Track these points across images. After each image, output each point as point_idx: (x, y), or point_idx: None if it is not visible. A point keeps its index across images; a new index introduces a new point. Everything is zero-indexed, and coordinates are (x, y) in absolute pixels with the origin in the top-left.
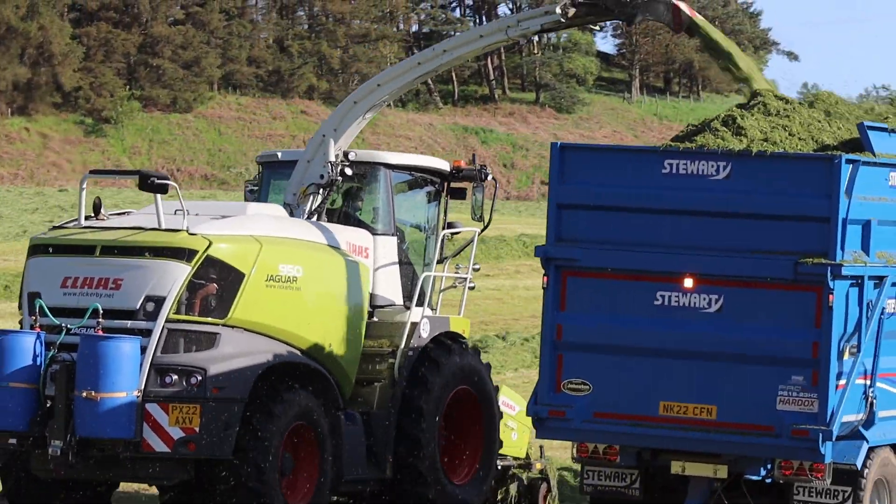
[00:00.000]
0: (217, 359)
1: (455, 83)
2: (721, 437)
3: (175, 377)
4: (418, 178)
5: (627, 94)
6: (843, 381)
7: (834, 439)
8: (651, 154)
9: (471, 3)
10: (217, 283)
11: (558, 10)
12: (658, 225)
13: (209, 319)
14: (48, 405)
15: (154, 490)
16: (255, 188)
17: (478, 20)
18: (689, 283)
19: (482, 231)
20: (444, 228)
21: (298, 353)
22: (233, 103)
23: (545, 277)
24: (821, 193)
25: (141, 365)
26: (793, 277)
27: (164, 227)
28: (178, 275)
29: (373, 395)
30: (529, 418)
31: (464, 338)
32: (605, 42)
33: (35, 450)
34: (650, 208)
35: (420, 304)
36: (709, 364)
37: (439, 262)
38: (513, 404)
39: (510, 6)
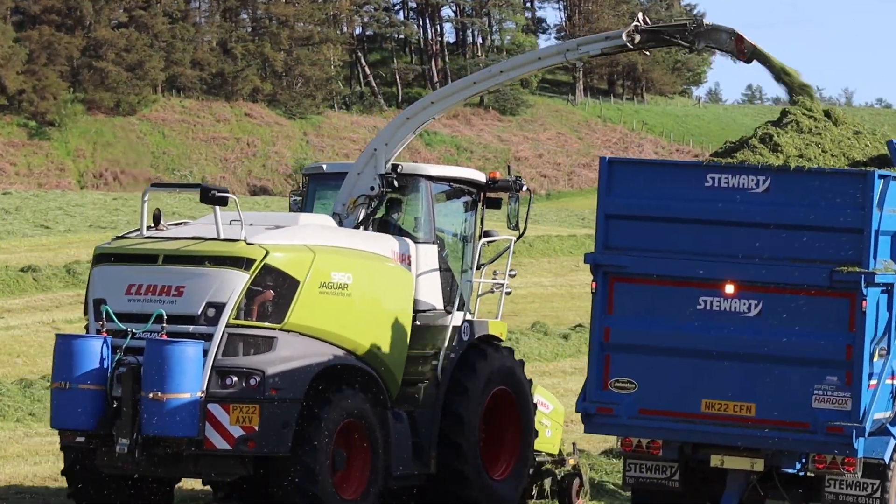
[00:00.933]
0: (274, 361)
1: (399, 85)
2: (759, 432)
3: (235, 379)
4: (456, 188)
5: (571, 97)
6: (874, 381)
7: (866, 436)
8: (695, 168)
9: (414, 5)
10: (273, 290)
11: (624, 37)
12: (701, 234)
13: (266, 324)
14: (115, 405)
15: (208, 487)
16: (299, 198)
17: (421, 23)
18: (730, 289)
19: (518, 239)
20: (480, 237)
21: (349, 355)
22: (177, 106)
23: (594, 283)
24: (855, 206)
25: (203, 367)
26: (828, 284)
27: (222, 237)
28: (237, 282)
29: (417, 394)
30: (562, 416)
31: (500, 340)
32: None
33: (102, 448)
34: (694, 219)
35: (460, 308)
36: (748, 365)
37: (476, 268)
38: (546, 402)
39: (453, 9)
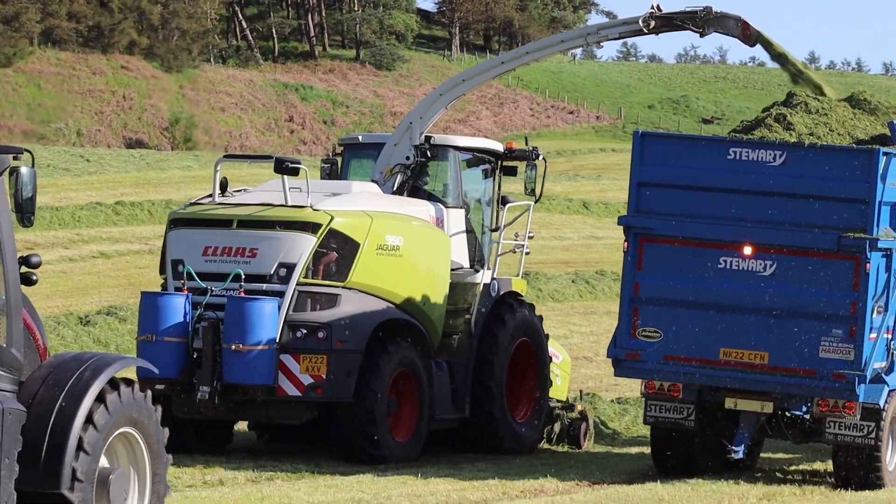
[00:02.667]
0: (339, 316)
1: (275, 40)
2: (771, 378)
3: (305, 332)
4: (477, 157)
5: (447, 52)
6: (873, 335)
7: (867, 383)
8: (719, 143)
9: None
10: (337, 251)
11: (641, 24)
12: (723, 202)
13: (331, 283)
14: (195, 356)
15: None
16: (327, 165)
17: None
18: (748, 250)
19: (535, 202)
20: (498, 201)
21: (400, 311)
22: (53, 58)
23: (626, 243)
24: (861, 179)
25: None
26: (836, 248)
27: (290, 203)
28: (305, 245)
29: (453, 346)
30: (569, 365)
31: (522, 296)
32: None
33: (181, 395)
34: (716, 188)
35: (483, 266)
36: (762, 318)
37: (495, 230)
38: (557, 353)
39: None
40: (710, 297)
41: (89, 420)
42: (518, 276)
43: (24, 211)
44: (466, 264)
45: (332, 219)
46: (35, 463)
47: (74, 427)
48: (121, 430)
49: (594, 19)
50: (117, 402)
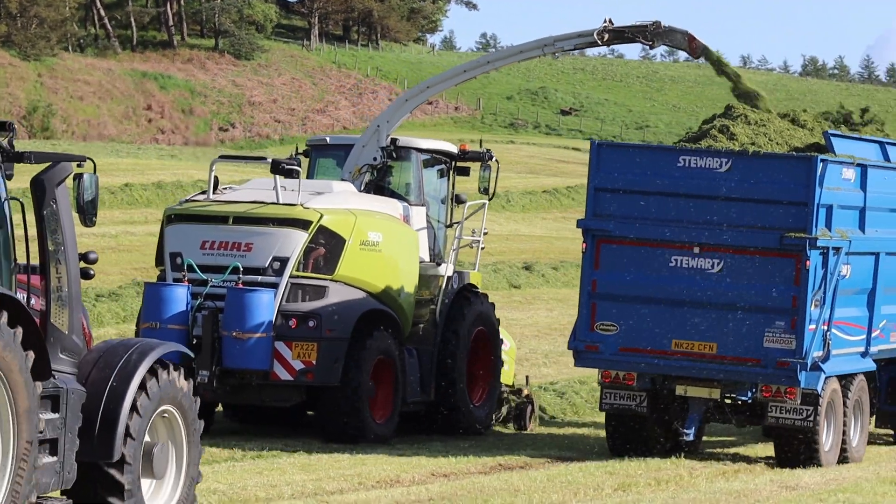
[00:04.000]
0: (328, 307)
1: (134, 28)
2: (719, 366)
3: (297, 321)
4: (435, 158)
5: (306, 42)
6: (812, 326)
7: (807, 370)
8: (669, 151)
9: None
10: (325, 247)
11: (595, 36)
12: (673, 205)
13: (320, 276)
14: (194, 343)
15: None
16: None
17: None
18: (697, 250)
19: (489, 201)
20: (452, 199)
21: (379, 302)
22: None
23: (584, 244)
24: (801, 184)
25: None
26: (778, 247)
27: (282, 202)
28: (297, 240)
29: (419, 334)
30: (514, 352)
31: (477, 287)
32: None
33: None
34: (667, 192)
35: (441, 261)
36: (711, 311)
37: (450, 226)
38: (505, 341)
39: None
40: (662, 293)
41: (137, 398)
42: (475, 269)
43: (87, 212)
44: (426, 258)
45: (321, 216)
46: (90, 437)
47: (125, 404)
48: (162, 407)
49: (454, 10)
50: (161, 383)
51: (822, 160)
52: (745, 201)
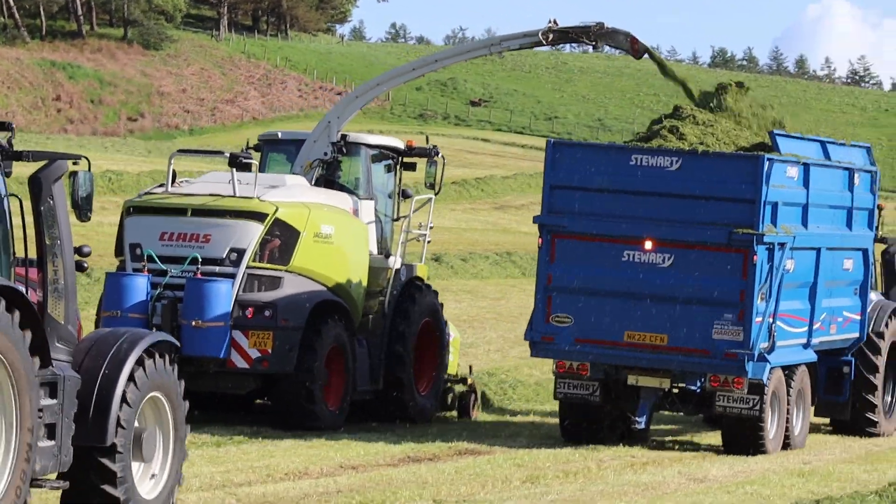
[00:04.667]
0: (283, 297)
1: (43, 17)
2: (670, 357)
3: (253, 310)
4: (383, 153)
5: (216, 32)
6: (759, 318)
7: (754, 360)
8: (622, 150)
9: None
10: (281, 238)
11: (540, 36)
12: (626, 202)
13: (276, 266)
14: (153, 331)
15: None
16: (250, 159)
17: None
18: (648, 245)
19: (435, 196)
20: (399, 194)
21: (331, 293)
22: None
23: (540, 239)
24: (748, 182)
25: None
26: (727, 242)
27: (238, 194)
28: (254, 232)
29: (369, 325)
30: (458, 342)
31: (424, 279)
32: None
33: None
34: (621, 189)
35: (389, 253)
36: (662, 304)
37: (396, 220)
38: (450, 332)
39: None
40: (615, 287)
41: (128, 384)
42: (421, 261)
43: (82, 208)
44: (375, 251)
45: (276, 209)
46: (84, 421)
47: (117, 390)
48: (151, 394)
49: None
50: (149, 370)
51: (769, 159)
52: (695, 198)
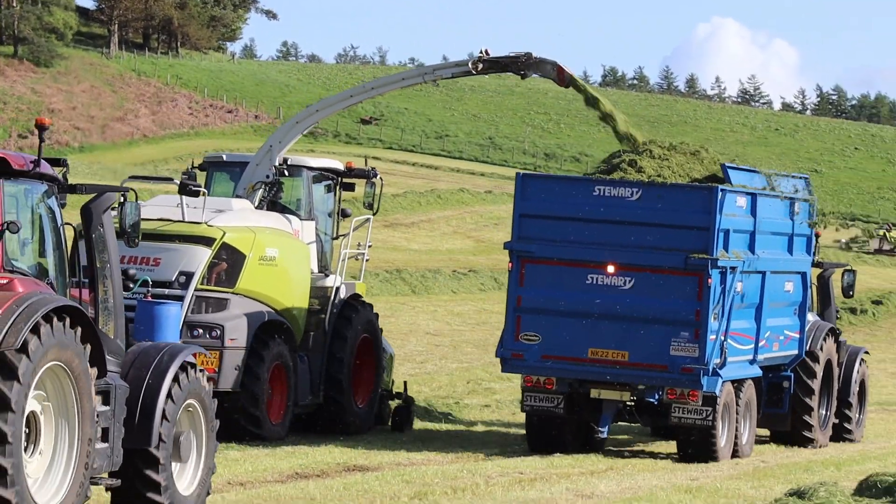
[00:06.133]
0: (229, 318)
1: None
2: (631, 372)
3: (201, 331)
4: (323, 175)
5: (106, 50)
6: (713, 336)
7: (709, 375)
8: (586, 182)
9: None
10: (227, 262)
11: (470, 66)
12: (590, 229)
13: (222, 289)
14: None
15: None
16: (185, 176)
17: None
18: (611, 269)
19: (373, 215)
20: (339, 214)
21: (275, 313)
22: None
23: (510, 263)
24: (703, 211)
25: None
26: (683, 266)
27: (186, 219)
28: (202, 256)
29: (310, 341)
30: (393, 359)
31: (362, 297)
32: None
33: None
34: (584, 218)
35: (328, 271)
36: (623, 323)
37: (336, 238)
38: (386, 348)
39: None
40: (580, 307)
41: (169, 393)
42: (360, 279)
43: (129, 235)
44: (316, 270)
45: (224, 234)
46: (131, 426)
47: (160, 398)
48: (188, 401)
49: (254, 19)
50: (186, 380)
51: (722, 190)
52: (654, 226)
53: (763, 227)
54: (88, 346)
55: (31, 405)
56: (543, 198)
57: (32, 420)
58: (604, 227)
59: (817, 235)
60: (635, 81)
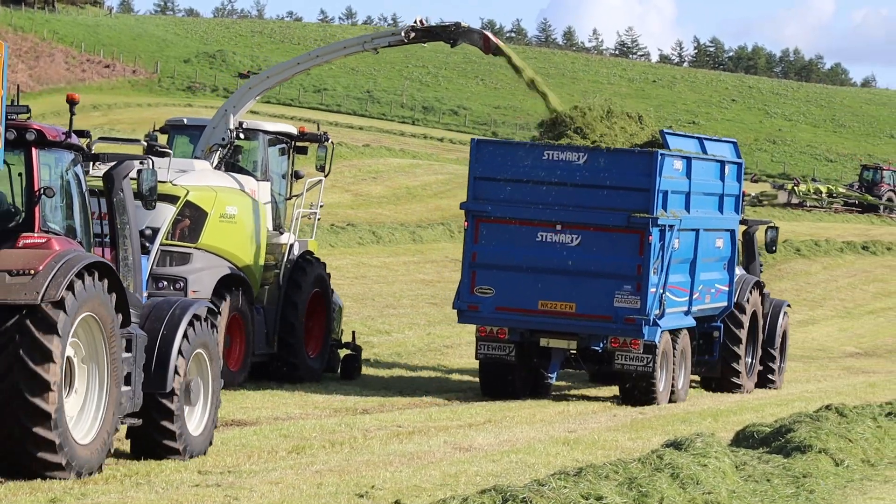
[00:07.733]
0: (192, 271)
1: None
2: (577, 322)
3: (165, 283)
4: (277, 138)
5: None
6: (653, 289)
7: (649, 325)
8: (536, 147)
9: None
10: (190, 219)
11: (402, 35)
12: (540, 191)
13: (186, 244)
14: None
15: None
16: (148, 139)
17: None
18: (559, 227)
19: (325, 177)
20: (292, 175)
21: (234, 267)
22: None
23: (465, 223)
24: (644, 173)
25: None
26: (626, 224)
27: None
28: (167, 213)
29: (265, 295)
30: (342, 311)
31: (314, 253)
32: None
33: None
34: (535, 180)
35: (282, 229)
36: (571, 277)
37: (289, 199)
38: (336, 301)
39: None
40: (530, 263)
41: (182, 342)
42: (312, 237)
43: (147, 199)
44: (271, 228)
45: (187, 192)
46: (148, 372)
47: (174, 347)
48: (197, 350)
49: None
50: (196, 331)
51: (661, 154)
52: (599, 187)
53: (697, 188)
54: (115, 297)
55: (68, 352)
56: (496, 161)
57: (68, 365)
58: (553, 189)
59: (745, 195)
60: (513, 34)
